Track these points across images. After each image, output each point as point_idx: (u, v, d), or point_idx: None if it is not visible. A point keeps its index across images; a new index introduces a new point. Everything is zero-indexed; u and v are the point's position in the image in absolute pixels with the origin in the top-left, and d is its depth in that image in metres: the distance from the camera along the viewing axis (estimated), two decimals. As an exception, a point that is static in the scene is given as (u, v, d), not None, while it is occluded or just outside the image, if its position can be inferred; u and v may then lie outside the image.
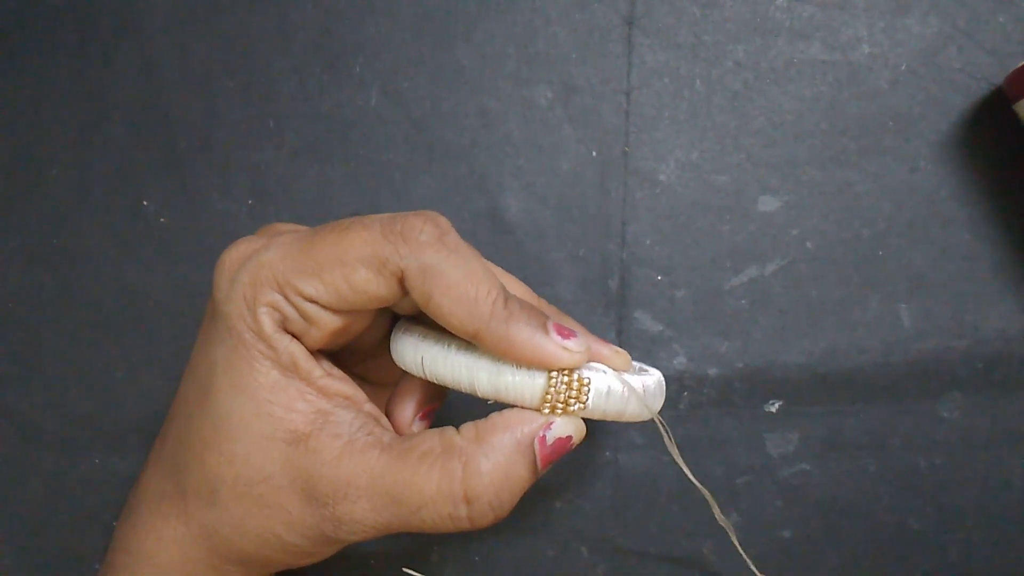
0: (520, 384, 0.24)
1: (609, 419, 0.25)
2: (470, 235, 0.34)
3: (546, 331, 0.23)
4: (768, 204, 0.34)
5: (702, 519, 0.33)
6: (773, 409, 0.33)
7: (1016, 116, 0.32)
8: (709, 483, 0.33)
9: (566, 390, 0.24)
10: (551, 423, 0.24)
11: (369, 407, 0.25)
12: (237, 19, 0.35)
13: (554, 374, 0.24)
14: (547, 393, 0.24)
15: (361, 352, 0.28)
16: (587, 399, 0.24)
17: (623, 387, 0.24)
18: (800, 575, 0.33)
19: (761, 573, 0.27)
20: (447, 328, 0.24)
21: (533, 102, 0.35)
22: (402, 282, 0.23)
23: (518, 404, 0.24)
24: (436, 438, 0.24)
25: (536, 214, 0.34)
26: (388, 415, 0.28)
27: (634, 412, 0.25)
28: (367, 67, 0.35)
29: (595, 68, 0.34)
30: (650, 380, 0.25)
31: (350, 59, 0.35)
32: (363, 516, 0.23)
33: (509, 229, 0.34)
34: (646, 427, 0.34)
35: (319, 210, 0.35)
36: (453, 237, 0.24)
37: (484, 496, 0.23)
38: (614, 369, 0.25)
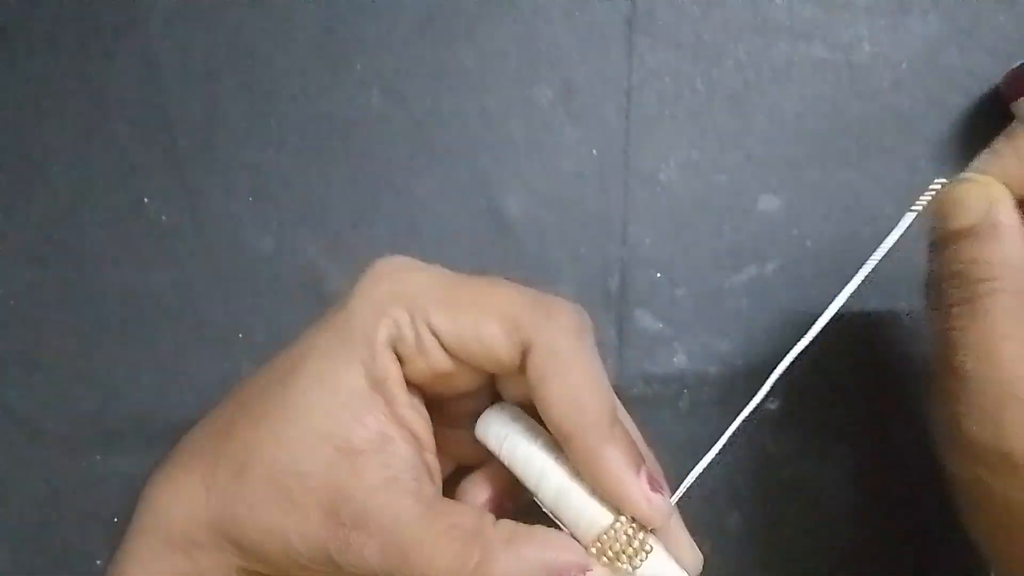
0: (583, 510, 0.22)
1: None
2: (470, 234, 0.34)
3: (637, 472, 0.22)
4: (768, 203, 0.34)
5: (703, 519, 0.33)
6: (773, 407, 0.33)
7: (1013, 116, 0.32)
8: (709, 481, 0.33)
9: (626, 542, 0.22)
10: (589, 571, 0.22)
11: (430, 457, 0.25)
12: (239, 18, 0.35)
13: (622, 520, 0.22)
14: (604, 534, 0.22)
15: (447, 416, 0.27)
16: (640, 565, 0.22)
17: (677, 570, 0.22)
18: (801, 573, 0.33)
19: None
20: (545, 421, 0.23)
21: (534, 102, 0.35)
22: (524, 355, 0.23)
23: (570, 530, 0.23)
24: (470, 517, 0.23)
25: (536, 213, 0.34)
26: (460, 493, 0.26)
27: None
28: (368, 67, 0.35)
29: (596, 68, 0.34)
30: None
31: (351, 59, 0.35)
32: (370, 554, 0.22)
33: (510, 228, 0.34)
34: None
35: (320, 209, 0.35)
36: (591, 338, 0.23)
37: None
38: (682, 564, 0.23)
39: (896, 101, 0.34)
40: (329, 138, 0.35)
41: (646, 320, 0.34)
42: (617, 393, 0.33)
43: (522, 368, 0.23)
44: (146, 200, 0.35)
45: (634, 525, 0.22)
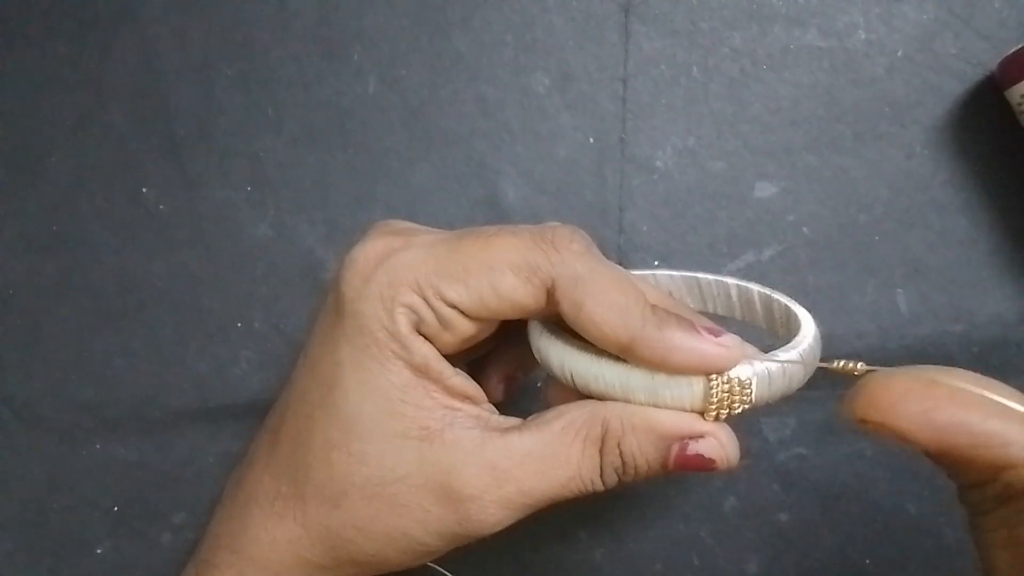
0: (679, 396, 0.23)
1: (776, 401, 0.24)
2: (468, 222, 0.35)
3: (699, 332, 0.22)
4: (765, 190, 0.34)
5: (699, 503, 0.34)
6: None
7: (1008, 102, 0.32)
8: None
9: (728, 391, 0.22)
10: (702, 436, 0.23)
11: (487, 405, 0.25)
12: (236, 7, 0.36)
13: (714, 378, 0.22)
14: (710, 398, 0.22)
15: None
16: (750, 394, 0.23)
17: (781, 366, 0.23)
18: (796, 558, 0.33)
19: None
20: (596, 340, 0.23)
21: (530, 89, 0.35)
22: (550, 292, 0.23)
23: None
24: (581, 409, 0.24)
25: (533, 201, 0.34)
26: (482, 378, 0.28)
27: (799, 381, 0.24)
28: (365, 55, 0.35)
29: (592, 55, 0.35)
30: (804, 343, 0.24)
31: (348, 47, 0.35)
32: (510, 497, 0.23)
33: (507, 216, 0.34)
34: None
35: (317, 197, 0.35)
36: (596, 250, 0.24)
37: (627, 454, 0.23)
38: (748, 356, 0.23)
39: (891, 88, 0.34)
40: (326, 126, 0.35)
41: (643, 307, 0.34)
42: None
43: (549, 302, 0.23)
44: (144, 189, 0.36)
45: (723, 376, 0.22)
